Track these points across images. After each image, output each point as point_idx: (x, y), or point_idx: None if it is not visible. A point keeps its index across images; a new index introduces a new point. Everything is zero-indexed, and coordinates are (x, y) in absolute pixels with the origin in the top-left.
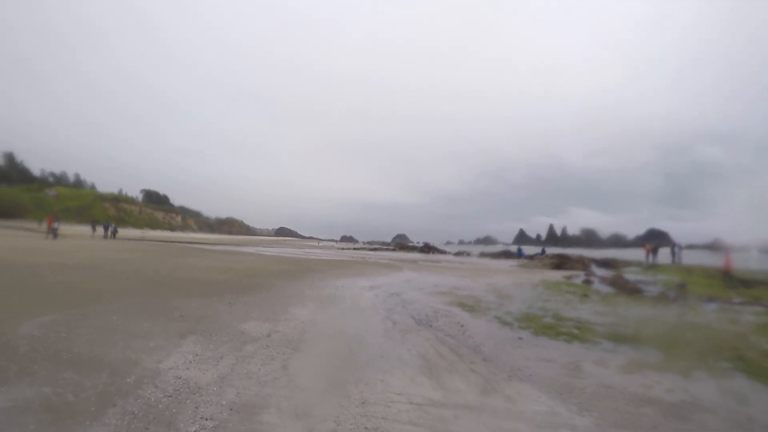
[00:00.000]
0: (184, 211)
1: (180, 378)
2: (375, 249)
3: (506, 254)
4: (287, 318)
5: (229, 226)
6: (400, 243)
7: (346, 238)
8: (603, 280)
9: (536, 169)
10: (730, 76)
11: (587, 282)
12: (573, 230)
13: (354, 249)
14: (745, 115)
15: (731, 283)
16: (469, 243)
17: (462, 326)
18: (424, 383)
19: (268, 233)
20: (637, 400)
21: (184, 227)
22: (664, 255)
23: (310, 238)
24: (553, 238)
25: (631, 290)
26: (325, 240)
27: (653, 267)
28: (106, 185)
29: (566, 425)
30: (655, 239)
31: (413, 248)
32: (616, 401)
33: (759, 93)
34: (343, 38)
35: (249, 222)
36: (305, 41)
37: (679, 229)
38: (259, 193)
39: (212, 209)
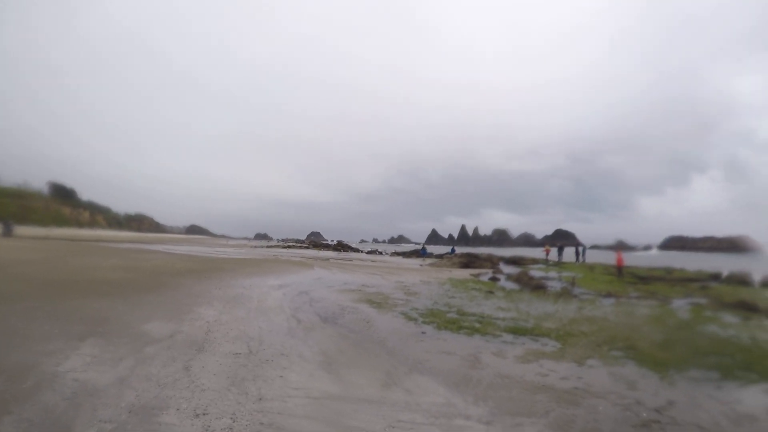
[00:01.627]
0: (93, 207)
1: (78, 380)
2: (289, 247)
3: (417, 253)
4: (192, 318)
5: (138, 222)
6: (314, 241)
7: (260, 236)
8: (509, 277)
9: (453, 169)
10: (632, 94)
11: (494, 279)
12: (485, 230)
13: (267, 247)
14: (645, 129)
15: (624, 278)
16: (383, 242)
17: (367, 322)
18: (323, 378)
19: (179, 231)
20: (532, 388)
21: (93, 224)
22: (570, 254)
23: (223, 236)
24: (464, 237)
25: (536, 286)
26: (238, 238)
27: (558, 265)
28: (9, 175)
29: (461, 415)
30: (561, 239)
31: (327, 246)
32: (512, 390)
33: (658, 110)
34: (266, 26)
35: (159, 219)
36: (227, 23)
37: (586, 230)
38: (171, 186)
39: (122, 204)
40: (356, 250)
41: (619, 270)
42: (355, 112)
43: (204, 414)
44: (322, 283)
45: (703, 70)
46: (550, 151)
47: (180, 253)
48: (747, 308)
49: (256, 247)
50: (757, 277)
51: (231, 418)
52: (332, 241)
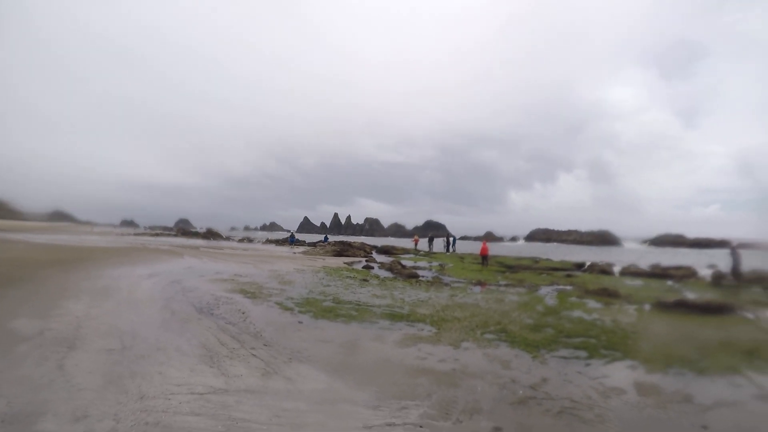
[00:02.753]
0: None
1: None
2: (157, 234)
3: (287, 241)
4: (61, 313)
5: None
6: (183, 228)
7: (126, 223)
8: (382, 265)
9: (328, 158)
10: (504, 93)
11: (367, 267)
12: (358, 219)
13: (135, 235)
14: (517, 128)
15: (489, 266)
16: (255, 229)
17: (243, 313)
18: (205, 372)
19: (40, 217)
20: (413, 372)
21: None
22: (440, 244)
23: (88, 222)
24: (337, 226)
25: (408, 275)
26: (103, 225)
27: (429, 254)
28: None
29: (346, 400)
30: (431, 230)
31: (196, 234)
32: (394, 374)
33: (530, 111)
34: None
35: (17, 204)
36: None
37: (458, 222)
38: (29, 165)
39: None
40: (227, 239)
41: (484, 258)
42: (229, 97)
43: (84, 417)
44: (194, 272)
45: (575, 78)
46: (422, 143)
47: (42, 242)
48: (609, 295)
49: (123, 234)
50: (617, 267)
51: (114, 420)
52: (202, 228)
